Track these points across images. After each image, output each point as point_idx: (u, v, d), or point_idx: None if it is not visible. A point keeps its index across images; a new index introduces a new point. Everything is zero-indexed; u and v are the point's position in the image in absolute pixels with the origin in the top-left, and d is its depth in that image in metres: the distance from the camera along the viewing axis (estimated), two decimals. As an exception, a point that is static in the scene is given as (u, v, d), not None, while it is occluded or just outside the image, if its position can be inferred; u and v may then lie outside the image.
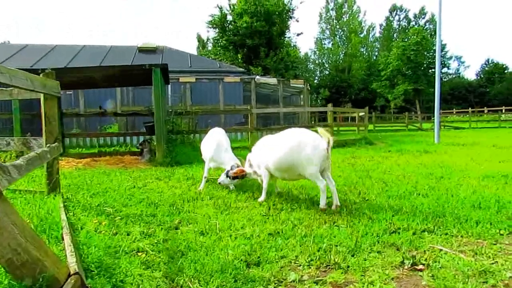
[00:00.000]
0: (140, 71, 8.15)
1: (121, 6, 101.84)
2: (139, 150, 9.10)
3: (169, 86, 14.09)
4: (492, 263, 2.45)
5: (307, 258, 2.56)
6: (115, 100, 14.64)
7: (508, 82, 53.07)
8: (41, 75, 3.89)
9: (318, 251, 2.68)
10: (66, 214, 3.24)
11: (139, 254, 2.64)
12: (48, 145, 3.80)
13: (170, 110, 10.63)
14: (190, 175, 6.30)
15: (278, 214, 3.70)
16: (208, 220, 3.50)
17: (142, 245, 2.78)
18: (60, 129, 6.34)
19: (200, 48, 49.01)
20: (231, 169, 4.76)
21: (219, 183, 4.86)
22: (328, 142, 3.72)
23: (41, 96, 3.97)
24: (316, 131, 3.90)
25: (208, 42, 44.79)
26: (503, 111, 33.47)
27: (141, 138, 10.46)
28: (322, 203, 3.81)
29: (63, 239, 2.54)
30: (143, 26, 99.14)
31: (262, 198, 4.30)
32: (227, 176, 4.74)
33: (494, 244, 2.81)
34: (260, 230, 3.17)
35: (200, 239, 2.99)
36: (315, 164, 3.76)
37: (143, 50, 20.80)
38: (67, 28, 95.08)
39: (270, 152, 4.16)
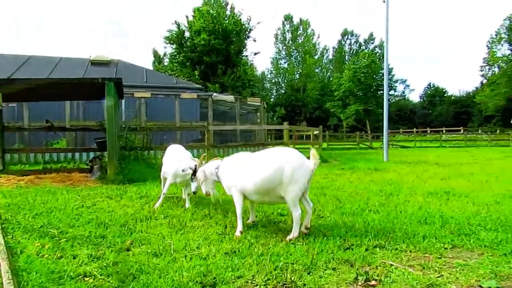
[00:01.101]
0: (92, 85, 7.84)
1: (121, 6, 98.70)
2: (88, 167, 8.66)
3: (123, 101, 13.67)
4: (438, 277, 2.58)
5: (264, 278, 2.54)
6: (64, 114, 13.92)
7: (447, 105, 57.59)
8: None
9: (275, 270, 2.67)
10: (4, 237, 2.98)
11: (86, 279, 2.48)
12: (-15, 161, 3.51)
13: (124, 126, 10.27)
14: (143, 193, 6.08)
15: (234, 232, 3.66)
16: (162, 241, 3.38)
17: (89, 269, 2.61)
18: (0, 144, 5.89)
19: (156, 63, 48.31)
20: (183, 171, 4.61)
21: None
22: (314, 164, 3.50)
23: (-20, 109, 3.68)
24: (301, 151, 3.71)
25: (164, 58, 44.30)
26: (444, 131, 36.19)
27: (92, 155, 9.97)
28: (294, 234, 3.43)
29: (-1, 265, 2.32)
30: (143, 26, 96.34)
31: (238, 229, 3.68)
32: (193, 180, 4.31)
33: (439, 258, 2.97)
34: (216, 249, 3.11)
35: (153, 260, 2.87)
36: (299, 185, 3.44)
37: (95, 63, 20.10)
38: (67, 28, 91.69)
39: (249, 172, 3.64)
